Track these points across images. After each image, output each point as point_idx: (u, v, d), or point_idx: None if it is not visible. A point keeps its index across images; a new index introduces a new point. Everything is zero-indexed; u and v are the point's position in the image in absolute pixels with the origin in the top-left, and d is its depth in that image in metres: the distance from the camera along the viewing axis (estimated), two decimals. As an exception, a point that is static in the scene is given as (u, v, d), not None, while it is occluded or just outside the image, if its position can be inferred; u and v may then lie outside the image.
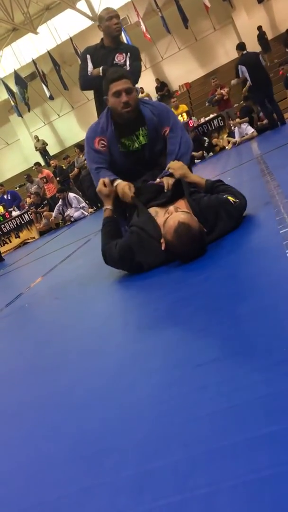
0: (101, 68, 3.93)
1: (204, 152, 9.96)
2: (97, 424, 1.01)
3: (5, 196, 11.98)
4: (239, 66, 8.09)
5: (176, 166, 2.33)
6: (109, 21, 3.89)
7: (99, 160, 2.61)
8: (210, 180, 2.27)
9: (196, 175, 2.36)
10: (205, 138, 10.12)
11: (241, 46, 8.40)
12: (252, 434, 0.73)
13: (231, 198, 2.02)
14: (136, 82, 4.03)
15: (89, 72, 4.03)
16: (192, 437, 0.80)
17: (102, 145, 2.61)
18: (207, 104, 11.87)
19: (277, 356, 0.90)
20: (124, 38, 13.52)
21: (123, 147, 2.62)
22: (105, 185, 2.46)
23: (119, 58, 4.00)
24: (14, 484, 0.94)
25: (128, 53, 4.00)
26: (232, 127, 9.80)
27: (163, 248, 1.97)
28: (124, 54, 3.99)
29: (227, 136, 10.23)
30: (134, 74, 3.92)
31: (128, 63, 3.97)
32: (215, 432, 0.78)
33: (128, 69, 3.94)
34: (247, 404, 0.81)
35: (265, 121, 8.96)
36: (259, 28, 15.40)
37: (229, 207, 2.00)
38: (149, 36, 16.77)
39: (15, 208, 11.66)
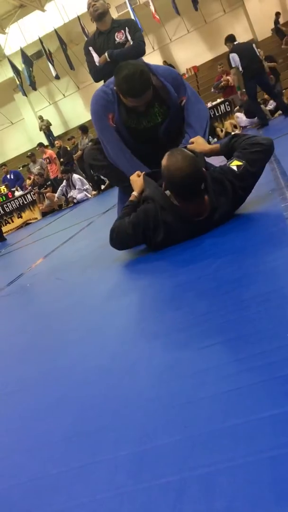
0: (106, 53, 3.89)
1: (210, 137, 9.86)
2: (97, 402, 1.01)
3: (8, 176, 11.93)
4: (230, 55, 7.74)
5: (199, 142, 2.21)
6: (90, 9, 3.91)
7: (121, 143, 2.47)
8: (224, 142, 2.15)
9: (212, 145, 2.25)
10: None
11: (231, 38, 7.99)
12: (252, 416, 0.74)
13: (236, 163, 1.94)
14: (143, 51, 3.99)
15: (96, 63, 3.99)
16: (192, 418, 0.80)
17: (114, 123, 2.46)
18: (212, 90, 11.76)
19: (279, 341, 0.90)
20: (132, 17, 13.31)
21: (132, 123, 2.44)
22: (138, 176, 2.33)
23: (119, 37, 3.96)
24: (13, 458, 0.95)
25: (126, 28, 3.95)
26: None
27: (163, 189, 2.00)
28: (122, 31, 3.95)
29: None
30: (140, 45, 3.89)
31: (129, 37, 3.92)
32: (216, 414, 0.79)
33: (132, 43, 3.90)
34: (249, 388, 0.81)
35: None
36: (277, 14, 15.14)
37: (231, 176, 1.92)
38: (158, 17, 16.51)
39: (18, 188, 11.62)
